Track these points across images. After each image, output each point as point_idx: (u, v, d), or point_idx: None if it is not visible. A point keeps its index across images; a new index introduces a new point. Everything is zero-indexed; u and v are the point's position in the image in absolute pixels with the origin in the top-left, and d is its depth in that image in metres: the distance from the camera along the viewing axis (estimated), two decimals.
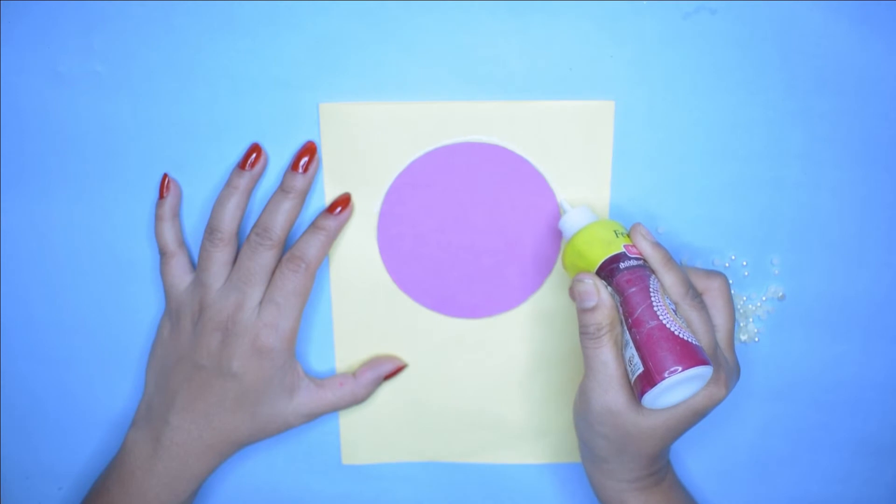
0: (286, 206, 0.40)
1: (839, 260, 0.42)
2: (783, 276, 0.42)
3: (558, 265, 0.43)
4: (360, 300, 0.43)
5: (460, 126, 0.40)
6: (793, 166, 0.40)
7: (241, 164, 0.40)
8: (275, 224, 0.40)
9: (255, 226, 0.40)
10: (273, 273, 0.40)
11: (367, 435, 0.46)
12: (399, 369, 0.44)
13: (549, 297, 0.43)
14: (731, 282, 0.43)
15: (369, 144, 0.40)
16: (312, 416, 0.42)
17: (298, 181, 0.40)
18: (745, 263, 0.42)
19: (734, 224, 0.41)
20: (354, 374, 0.43)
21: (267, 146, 0.41)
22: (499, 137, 0.40)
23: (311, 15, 0.38)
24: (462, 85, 0.39)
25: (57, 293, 0.44)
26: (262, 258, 0.40)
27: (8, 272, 0.44)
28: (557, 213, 0.42)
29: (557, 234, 0.42)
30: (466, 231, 0.42)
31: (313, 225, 0.41)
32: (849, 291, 0.42)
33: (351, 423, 0.46)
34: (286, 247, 0.41)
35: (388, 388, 0.45)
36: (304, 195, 0.40)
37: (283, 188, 0.40)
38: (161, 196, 0.41)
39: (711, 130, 0.40)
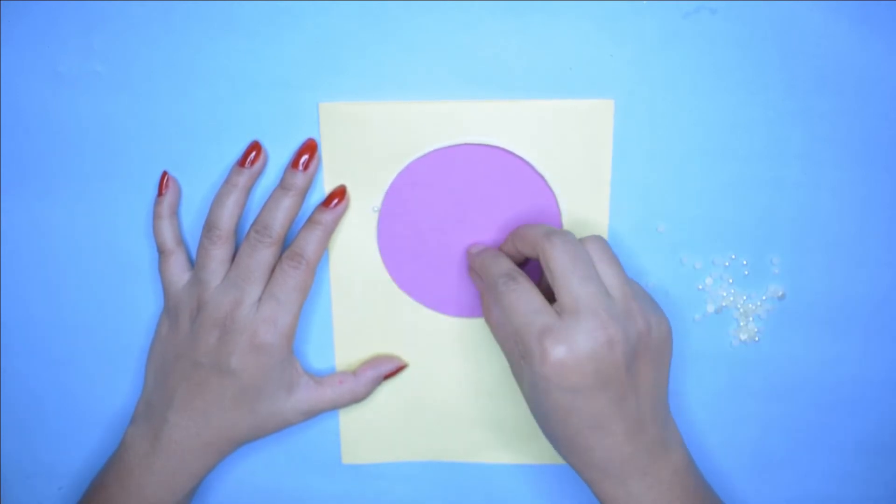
0: (286, 204, 0.40)
1: (839, 260, 0.42)
2: (783, 276, 0.42)
3: None
4: (360, 299, 0.43)
5: (460, 126, 0.40)
6: (793, 166, 0.40)
7: (241, 162, 0.40)
8: (274, 222, 0.40)
9: (254, 223, 0.40)
10: (273, 270, 0.40)
11: (367, 434, 0.46)
12: (399, 369, 0.44)
13: None
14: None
15: (369, 144, 0.40)
16: (311, 414, 0.42)
17: (299, 179, 0.40)
18: (745, 263, 0.42)
19: (734, 224, 0.41)
20: (354, 373, 0.43)
21: (267, 145, 0.41)
22: (498, 137, 0.40)
23: (311, 15, 0.38)
24: (462, 85, 0.39)
25: (57, 293, 0.44)
26: (261, 256, 0.40)
27: (8, 272, 0.44)
28: (557, 212, 0.42)
29: None
30: (466, 230, 0.42)
31: (310, 220, 0.41)
32: (849, 291, 0.42)
33: (351, 423, 0.46)
34: (285, 245, 0.41)
35: (387, 388, 0.45)
36: (304, 193, 0.40)
37: (282, 186, 0.40)
38: (160, 194, 0.41)
39: (711, 130, 0.40)
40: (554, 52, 0.39)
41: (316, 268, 0.41)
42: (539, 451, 0.46)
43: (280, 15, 0.38)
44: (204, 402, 0.40)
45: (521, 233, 0.38)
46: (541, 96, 0.39)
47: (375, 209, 0.42)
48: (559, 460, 0.46)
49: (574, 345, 0.34)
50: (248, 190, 0.41)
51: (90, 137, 0.41)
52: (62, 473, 0.48)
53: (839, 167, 0.40)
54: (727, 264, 0.42)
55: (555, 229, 0.37)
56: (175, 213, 0.42)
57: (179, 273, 0.42)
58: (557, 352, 0.34)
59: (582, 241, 0.36)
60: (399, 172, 0.41)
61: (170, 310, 0.42)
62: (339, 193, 0.41)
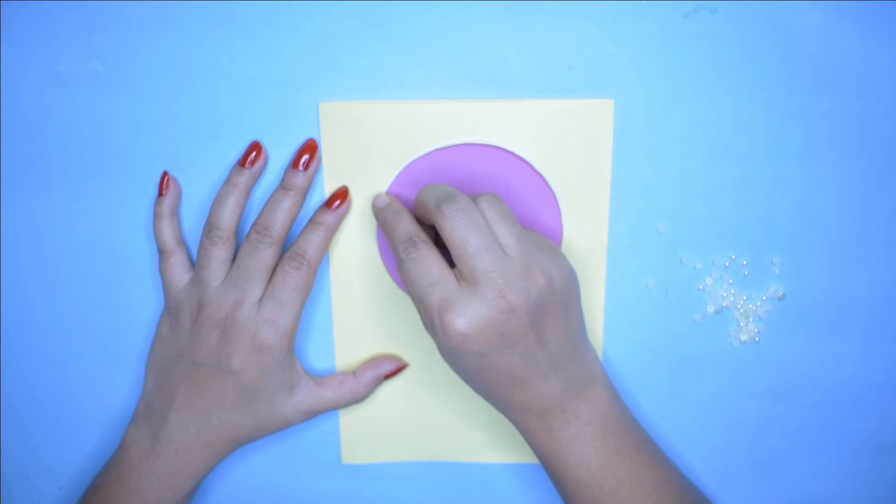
0: (286, 204, 0.40)
1: (839, 260, 0.42)
2: (783, 276, 0.42)
3: None
4: (360, 300, 0.43)
5: (460, 126, 0.40)
6: (792, 165, 0.40)
7: (241, 162, 0.40)
8: (275, 222, 0.40)
9: (254, 223, 0.40)
10: (274, 270, 0.40)
11: (367, 434, 0.46)
12: (400, 369, 0.44)
13: None
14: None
15: (370, 144, 0.40)
16: (312, 414, 0.42)
17: (299, 179, 0.40)
18: (745, 263, 0.42)
19: (734, 224, 0.41)
20: (354, 373, 0.43)
21: (267, 145, 0.41)
22: (499, 137, 0.40)
23: (311, 15, 0.38)
24: (462, 84, 0.39)
25: (57, 293, 0.44)
26: (262, 256, 0.40)
27: (8, 272, 0.44)
28: (557, 212, 0.42)
29: (557, 234, 0.42)
30: None
31: (312, 221, 0.41)
32: (849, 291, 0.42)
33: (351, 423, 0.46)
34: (286, 246, 0.41)
35: (387, 388, 0.45)
36: (305, 193, 0.40)
37: (283, 186, 0.40)
38: (160, 194, 0.41)
39: (711, 130, 0.40)
40: (554, 52, 0.39)
41: (317, 268, 0.41)
42: None
43: (280, 15, 0.38)
44: (204, 402, 0.40)
45: (418, 200, 0.38)
46: (541, 96, 0.39)
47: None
48: None
49: (474, 315, 0.35)
50: (249, 190, 0.41)
51: (90, 137, 0.41)
52: (62, 473, 0.48)
53: (839, 167, 0.40)
54: (727, 264, 0.42)
55: (446, 195, 0.36)
56: (175, 213, 0.42)
57: (180, 273, 0.42)
58: (458, 324, 0.35)
59: (475, 200, 0.37)
60: (399, 172, 0.41)
61: (170, 310, 0.42)
62: (342, 195, 0.41)
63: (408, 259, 0.36)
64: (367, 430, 0.46)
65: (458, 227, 0.35)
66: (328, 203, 0.41)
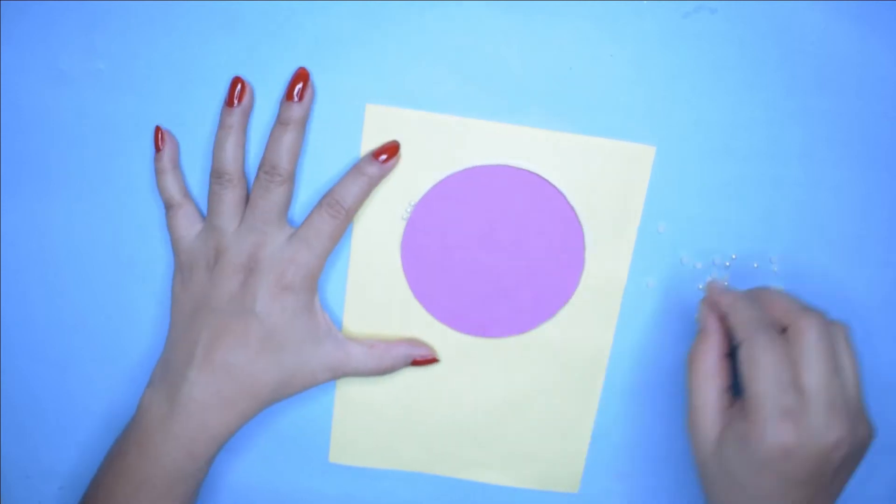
0: (288, 140, 0.39)
1: (839, 260, 0.42)
2: (783, 276, 0.42)
3: (574, 298, 0.43)
4: (374, 303, 0.43)
5: (501, 147, 0.40)
6: (792, 165, 0.40)
7: (229, 102, 0.39)
8: (280, 159, 0.38)
9: (260, 165, 0.39)
10: (310, 213, 0.39)
11: (359, 437, 0.46)
12: (429, 361, 0.43)
13: (560, 328, 0.43)
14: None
15: (410, 151, 0.40)
16: (338, 373, 0.41)
17: (295, 110, 0.39)
18: (745, 263, 0.42)
19: (734, 224, 0.42)
20: (387, 344, 0.42)
21: (265, 145, 0.41)
22: (537, 164, 0.40)
23: (311, 15, 0.38)
24: (460, 81, 0.39)
25: (57, 293, 0.44)
26: (275, 195, 0.39)
27: (8, 272, 0.44)
28: (581, 247, 0.42)
29: (578, 268, 0.42)
30: (491, 251, 0.42)
31: (356, 169, 0.39)
32: (849, 291, 0.42)
33: (344, 423, 0.46)
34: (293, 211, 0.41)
35: (386, 392, 0.45)
36: (304, 125, 0.39)
37: (280, 121, 0.39)
38: (157, 149, 0.40)
39: (711, 130, 0.40)
40: (554, 52, 0.39)
41: (353, 217, 0.40)
42: (526, 477, 0.46)
43: (280, 15, 0.38)
44: (226, 353, 0.39)
45: (771, 295, 0.37)
46: (535, 94, 0.39)
47: (404, 217, 0.42)
48: (544, 488, 0.47)
49: (810, 439, 0.33)
50: (244, 129, 0.39)
51: (91, 137, 0.41)
52: (62, 473, 0.48)
53: (839, 167, 0.40)
54: (727, 264, 0.42)
55: (808, 306, 0.36)
56: (177, 166, 0.41)
57: (189, 226, 0.40)
58: (792, 440, 0.33)
59: (830, 324, 0.36)
60: (434, 184, 0.41)
61: (182, 264, 0.41)
62: (391, 150, 0.39)
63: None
64: (359, 433, 0.46)
65: (822, 344, 0.34)
66: (376, 154, 0.39)
